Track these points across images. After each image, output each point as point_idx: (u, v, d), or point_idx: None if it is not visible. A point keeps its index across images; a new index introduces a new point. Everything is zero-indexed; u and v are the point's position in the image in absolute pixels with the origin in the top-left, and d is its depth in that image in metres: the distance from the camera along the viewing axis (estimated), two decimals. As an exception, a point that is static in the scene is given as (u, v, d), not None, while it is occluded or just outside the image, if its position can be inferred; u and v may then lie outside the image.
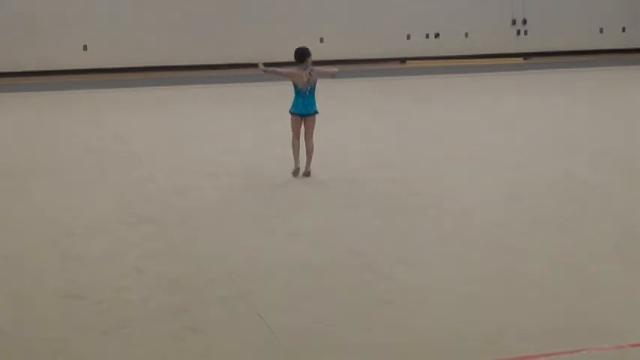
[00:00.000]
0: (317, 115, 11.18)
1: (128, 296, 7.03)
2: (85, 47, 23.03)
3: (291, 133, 11.23)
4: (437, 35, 25.39)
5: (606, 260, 7.84)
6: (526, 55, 25.89)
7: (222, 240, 8.54)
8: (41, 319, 6.60)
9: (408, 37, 25.18)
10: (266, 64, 11.39)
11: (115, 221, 9.22)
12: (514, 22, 25.91)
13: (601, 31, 26.61)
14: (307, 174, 11.12)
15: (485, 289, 7.13)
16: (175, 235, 8.69)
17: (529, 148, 12.87)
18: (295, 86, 11.15)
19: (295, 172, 11.14)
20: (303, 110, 11.14)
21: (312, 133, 11.19)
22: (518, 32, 26.02)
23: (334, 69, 11.42)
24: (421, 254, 8.04)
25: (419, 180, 10.95)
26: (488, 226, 8.91)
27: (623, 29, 26.86)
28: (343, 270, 7.61)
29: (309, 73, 11.06)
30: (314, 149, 11.18)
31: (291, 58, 11.24)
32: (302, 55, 11.14)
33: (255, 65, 11.71)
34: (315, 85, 11.14)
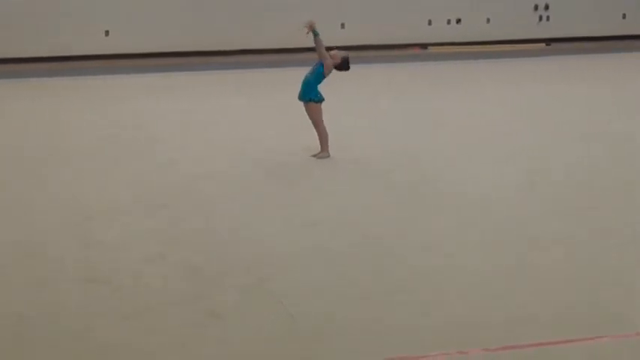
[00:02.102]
0: (318, 104, 11.16)
1: (147, 282, 7.06)
2: (106, 33, 23.08)
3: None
4: (458, 21, 25.28)
5: (625, 249, 7.81)
6: (548, 41, 25.75)
7: (240, 227, 8.55)
8: (61, 304, 6.65)
9: (430, 22, 25.09)
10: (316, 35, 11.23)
11: (134, 207, 9.26)
12: (536, 8, 25.75)
13: (624, 16, 26.42)
14: (320, 157, 11.23)
15: (504, 277, 7.12)
16: (194, 222, 8.72)
17: (549, 135, 12.81)
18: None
19: (318, 155, 11.32)
20: (299, 96, 11.28)
21: (315, 121, 11.20)
22: (541, 18, 25.87)
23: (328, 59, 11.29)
24: (440, 241, 8.03)
25: (437, 167, 10.92)
26: (507, 214, 8.88)
27: (647, 15, 26.65)
28: (362, 257, 7.62)
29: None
30: (326, 136, 11.21)
31: (312, 44, 11.20)
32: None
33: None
34: (316, 73, 11.12)
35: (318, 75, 11.10)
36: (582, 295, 6.71)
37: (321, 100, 11.13)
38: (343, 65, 11.22)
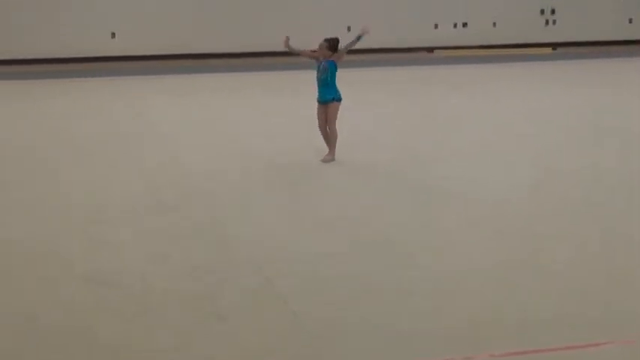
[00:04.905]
0: (339, 103, 11.21)
1: (153, 282, 7.06)
2: (113, 35, 23.13)
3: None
4: (464, 24, 25.31)
5: (633, 249, 7.80)
6: (554, 45, 25.75)
7: (247, 226, 8.55)
8: (67, 304, 6.66)
9: (436, 26, 25.12)
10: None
11: (142, 206, 9.28)
12: (542, 12, 25.77)
13: (630, 21, 26.42)
14: (325, 161, 11.17)
15: (512, 278, 7.10)
16: (201, 221, 8.73)
17: (557, 137, 12.82)
18: (316, 74, 11.23)
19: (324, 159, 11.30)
20: (321, 97, 11.22)
21: (332, 120, 11.24)
22: (547, 22, 25.88)
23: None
24: (448, 242, 8.02)
25: (446, 168, 10.91)
26: (516, 215, 8.88)
27: (653, 19, 26.65)
28: (369, 256, 7.61)
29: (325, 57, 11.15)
30: (336, 137, 11.23)
31: (316, 46, 11.27)
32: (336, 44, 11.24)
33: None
34: (329, 72, 11.14)
35: (333, 73, 11.14)
36: (591, 297, 6.69)
37: (341, 99, 11.19)
38: (334, 44, 11.26)
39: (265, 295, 6.79)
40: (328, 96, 11.21)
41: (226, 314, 6.40)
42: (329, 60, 11.14)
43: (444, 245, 7.96)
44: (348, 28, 23.86)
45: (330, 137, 11.28)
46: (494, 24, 25.41)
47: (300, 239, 8.15)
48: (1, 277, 7.27)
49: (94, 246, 8.01)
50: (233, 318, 6.35)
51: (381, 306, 6.56)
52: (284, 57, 22.91)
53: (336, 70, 11.18)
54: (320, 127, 11.34)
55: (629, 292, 6.83)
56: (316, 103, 11.37)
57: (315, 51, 11.32)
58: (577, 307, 6.50)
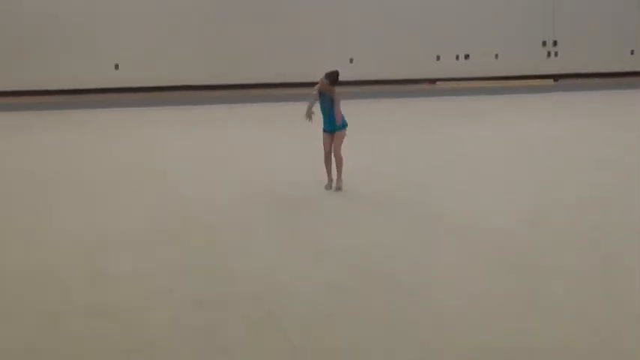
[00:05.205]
0: (346, 130, 11.32)
1: (154, 315, 7.05)
2: (116, 66, 23.21)
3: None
4: (467, 56, 25.37)
5: (634, 280, 7.79)
6: (556, 77, 25.81)
7: (250, 258, 8.55)
8: (67, 336, 6.64)
9: (438, 58, 25.17)
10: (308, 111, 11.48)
11: (143, 238, 9.27)
12: (544, 44, 25.84)
13: (632, 53, 26.48)
14: (338, 188, 11.24)
15: (514, 310, 7.08)
16: (202, 253, 8.72)
17: (558, 169, 12.82)
18: (320, 105, 11.31)
19: (327, 187, 11.37)
20: (329, 126, 11.29)
21: (338, 146, 11.33)
22: (549, 54, 25.95)
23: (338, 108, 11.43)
24: (449, 274, 8.01)
25: (448, 200, 10.92)
26: (517, 246, 8.87)
27: (655, 51, 26.72)
28: (370, 289, 7.60)
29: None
30: (342, 162, 11.28)
31: (318, 78, 11.35)
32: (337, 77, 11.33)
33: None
34: (334, 102, 11.23)
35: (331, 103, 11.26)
36: (592, 328, 6.67)
37: (347, 124, 11.34)
38: (334, 79, 11.30)
39: (267, 328, 6.77)
40: (336, 124, 11.28)
41: (228, 348, 6.38)
42: (329, 93, 11.23)
43: (445, 276, 7.94)
44: (351, 60, 23.97)
45: (337, 164, 11.36)
46: (497, 56, 25.47)
47: (302, 271, 8.14)
48: (0, 309, 7.26)
49: (95, 278, 7.99)
50: (235, 351, 6.33)
51: (382, 338, 6.54)
52: (284, 89, 23.01)
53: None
54: (326, 155, 11.42)
55: (630, 322, 6.81)
56: (322, 133, 11.45)
57: (316, 83, 11.40)
58: (578, 339, 6.48)
